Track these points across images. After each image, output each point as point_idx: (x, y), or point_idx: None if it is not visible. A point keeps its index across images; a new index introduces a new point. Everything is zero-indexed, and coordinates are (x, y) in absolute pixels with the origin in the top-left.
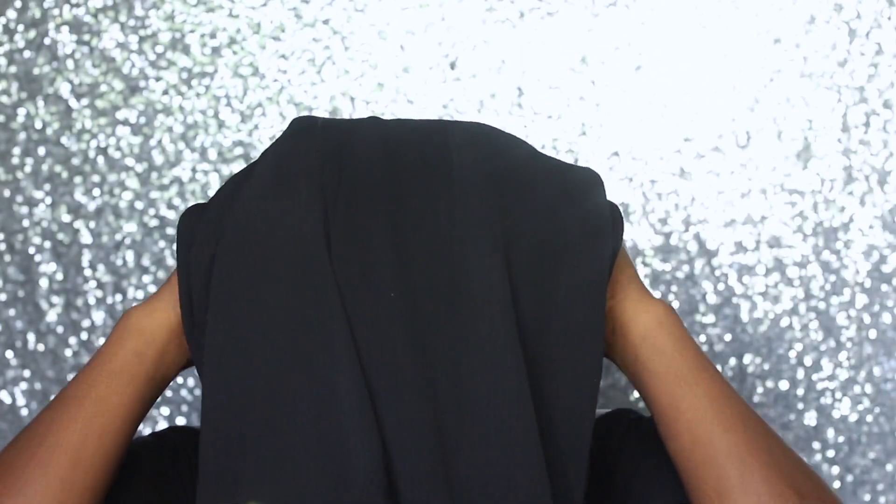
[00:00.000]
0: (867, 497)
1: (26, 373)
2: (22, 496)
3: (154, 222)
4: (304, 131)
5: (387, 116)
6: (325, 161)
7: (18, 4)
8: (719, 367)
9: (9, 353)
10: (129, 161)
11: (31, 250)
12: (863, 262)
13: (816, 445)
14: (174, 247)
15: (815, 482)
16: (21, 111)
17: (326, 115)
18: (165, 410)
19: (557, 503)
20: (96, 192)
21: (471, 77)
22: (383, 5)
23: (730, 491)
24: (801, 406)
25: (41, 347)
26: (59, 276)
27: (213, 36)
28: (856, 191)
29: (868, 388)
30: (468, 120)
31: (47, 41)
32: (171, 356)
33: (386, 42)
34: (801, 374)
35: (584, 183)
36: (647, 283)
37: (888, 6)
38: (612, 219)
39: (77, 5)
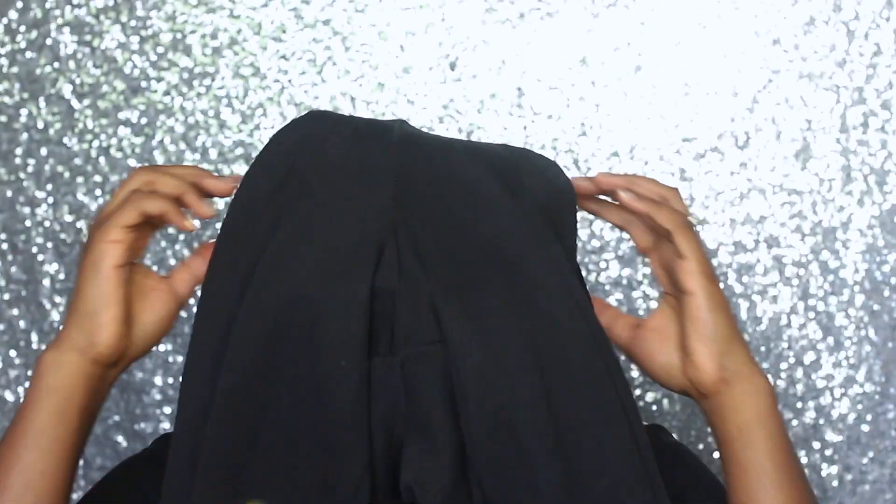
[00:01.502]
0: (866, 496)
1: (30, 372)
2: None
3: None
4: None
5: (387, 117)
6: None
7: (20, 5)
8: None
9: (12, 353)
10: (131, 161)
11: (34, 250)
12: (861, 262)
13: (815, 444)
14: (176, 247)
15: None
16: (23, 111)
17: None
18: (168, 409)
19: None
20: (98, 192)
21: (471, 77)
22: (383, 6)
23: None
24: (799, 405)
25: (44, 347)
26: (62, 276)
27: (214, 37)
28: (854, 191)
29: (867, 388)
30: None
31: (49, 42)
32: (94, 400)
33: (386, 43)
34: (799, 373)
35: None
36: (646, 283)
37: (887, 7)
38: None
39: (79, 6)
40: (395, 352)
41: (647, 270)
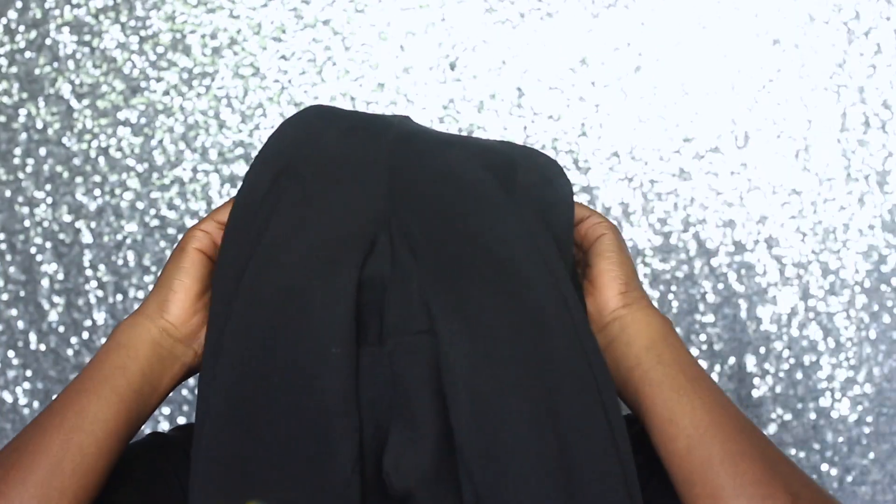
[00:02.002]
0: (867, 498)
1: (28, 372)
2: (2, 498)
3: (155, 222)
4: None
5: None
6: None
7: (19, 5)
8: (718, 367)
9: (10, 353)
10: (130, 161)
11: (33, 250)
12: (862, 263)
13: (816, 446)
14: (174, 247)
15: (811, 486)
16: (22, 111)
17: None
18: (166, 410)
19: None
20: (97, 192)
21: (471, 78)
22: (383, 6)
23: (721, 493)
24: (800, 406)
25: (43, 347)
26: (61, 276)
27: (213, 37)
28: (855, 191)
29: (868, 389)
30: (465, 124)
31: (48, 42)
32: (159, 369)
33: (386, 43)
34: (800, 374)
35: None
36: (646, 282)
37: (887, 6)
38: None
39: (78, 6)
40: (384, 341)
41: (647, 270)
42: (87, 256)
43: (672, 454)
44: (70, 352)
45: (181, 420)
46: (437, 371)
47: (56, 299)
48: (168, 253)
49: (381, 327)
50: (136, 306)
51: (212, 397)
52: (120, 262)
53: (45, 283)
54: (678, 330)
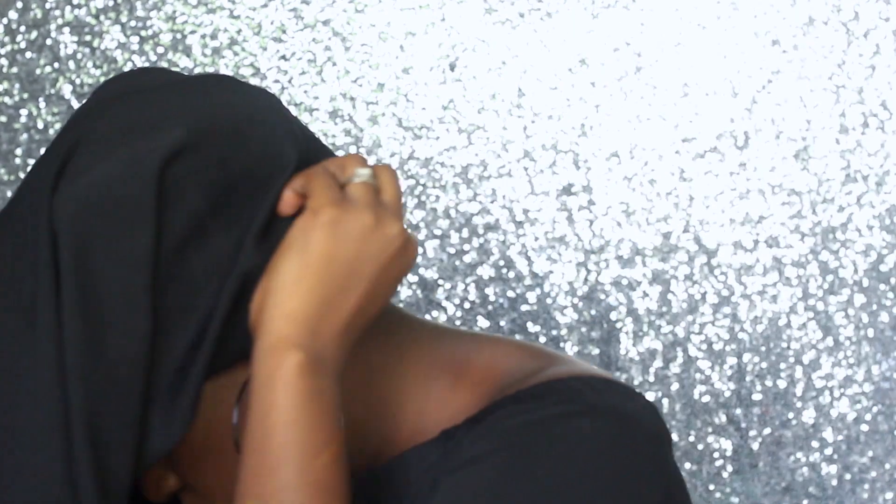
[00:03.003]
0: (865, 495)
1: None
2: None
3: None
4: None
5: (387, 117)
6: None
7: (20, 5)
8: (718, 367)
9: None
10: None
11: None
12: (861, 262)
13: (815, 444)
14: None
15: None
16: (23, 111)
17: (326, 115)
18: None
19: None
20: None
21: (471, 78)
22: (383, 6)
23: None
24: (799, 405)
25: None
26: None
27: (214, 37)
28: (854, 191)
29: (866, 387)
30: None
31: (49, 42)
32: None
33: (386, 43)
34: (799, 372)
35: None
36: (645, 282)
37: (886, 7)
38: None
39: (79, 6)
40: None
41: (647, 271)
42: None
43: None
44: None
45: None
46: None
47: None
48: None
49: None
50: None
51: None
52: None
53: None
54: (678, 329)
